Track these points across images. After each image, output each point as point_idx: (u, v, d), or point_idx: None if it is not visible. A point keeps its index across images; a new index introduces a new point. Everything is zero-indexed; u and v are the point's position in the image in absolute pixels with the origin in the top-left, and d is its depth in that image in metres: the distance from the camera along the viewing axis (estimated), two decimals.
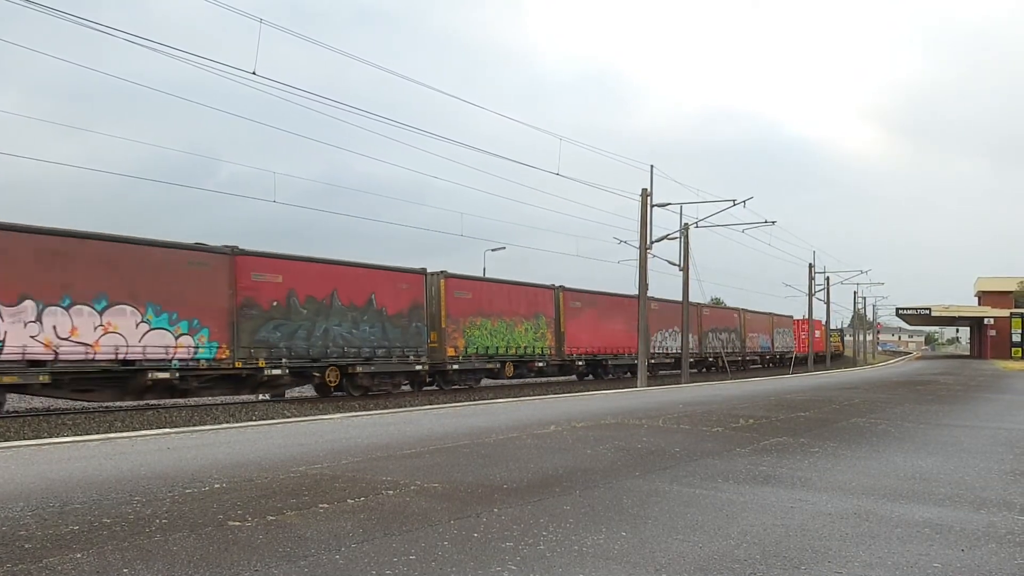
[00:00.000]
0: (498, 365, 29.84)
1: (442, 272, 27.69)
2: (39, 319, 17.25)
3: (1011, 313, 69.85)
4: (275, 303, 21.73)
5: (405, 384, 26.86)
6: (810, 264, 57.73)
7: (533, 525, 5.09)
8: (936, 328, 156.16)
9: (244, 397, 22.92)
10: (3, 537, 4.62)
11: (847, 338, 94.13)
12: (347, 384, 24.15)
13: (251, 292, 21.18)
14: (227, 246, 21.05)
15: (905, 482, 7.05)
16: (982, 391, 22.00)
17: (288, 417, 16.17)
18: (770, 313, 59.57)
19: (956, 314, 76.14)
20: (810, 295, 57.26)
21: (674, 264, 33.77)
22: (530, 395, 22.39)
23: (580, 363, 34.56)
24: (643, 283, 29.95)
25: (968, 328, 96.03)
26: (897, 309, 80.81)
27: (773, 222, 35.18)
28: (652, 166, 30.12)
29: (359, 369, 24.02)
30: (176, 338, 19.55)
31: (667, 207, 31.73)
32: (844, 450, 9.02)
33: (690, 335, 37.90)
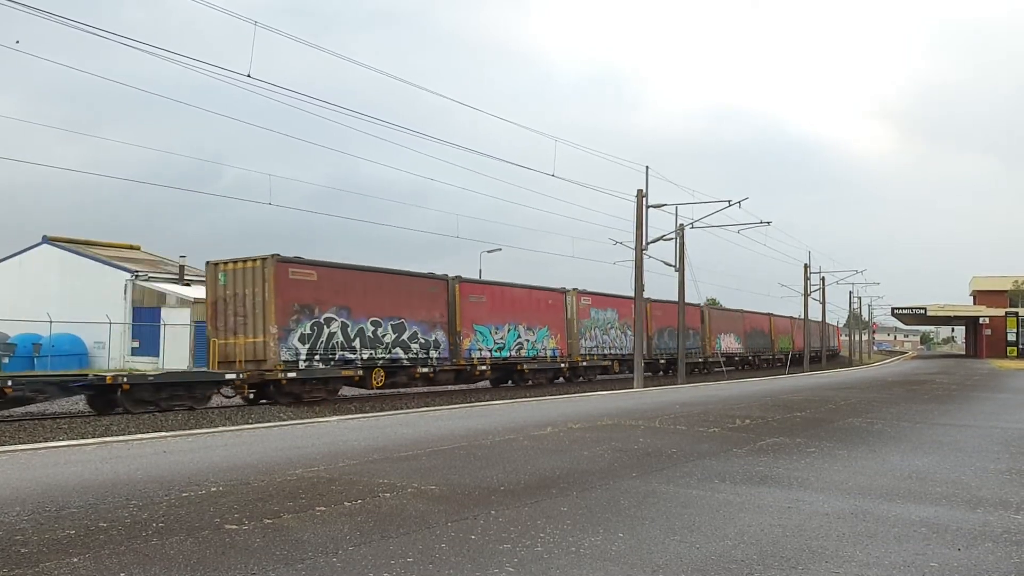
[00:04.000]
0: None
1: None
2: None
3: (1006, 312, 70.01)
4: None
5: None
6: (805, 264, 57.89)
7: (531, 527, 5.10)
8: (932, 327, 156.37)
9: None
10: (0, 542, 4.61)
11: (843, 338, 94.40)
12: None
13: None
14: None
15: (901, 482, 7.07)
16: (977, 390, 22.04)
17: (284, 420, 16.15)
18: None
19: (951, 313, 76.20)
20: (805, 295, 57.35)
21: (670, 265, 33.83)
22: (526, 396, 22.38)
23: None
24: (639, 284, 29.99)
25: (963, 327, 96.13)
26: (893, 309, 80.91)
27: (768, 222, 35.30)
28: (648, 167, 30.16)
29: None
30: None
31: (663, 208, 31.81)
32: (840, 450, 9.03)
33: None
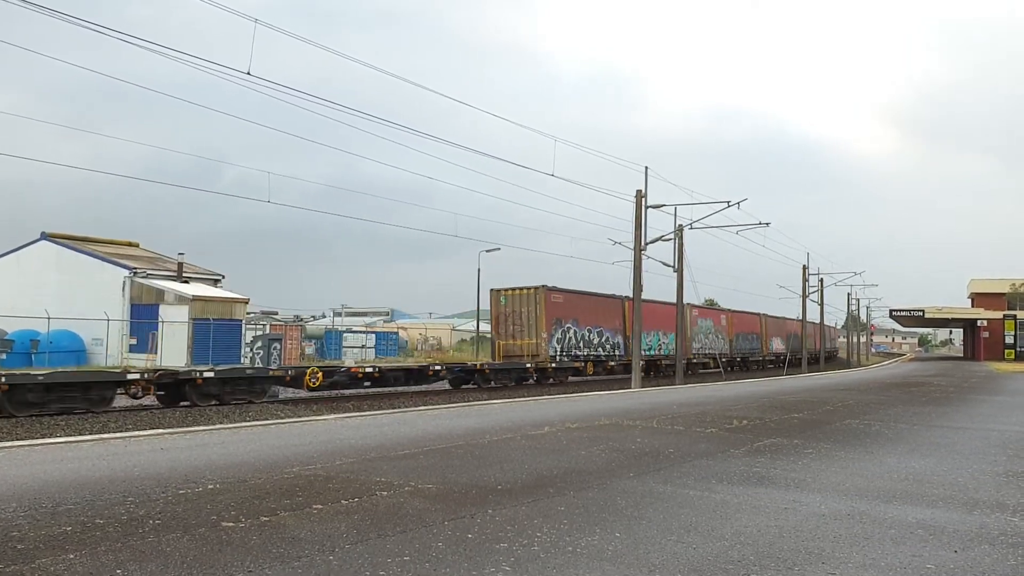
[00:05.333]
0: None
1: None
2: None
3: (1004, 315, 69.93)
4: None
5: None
6: (804, 266, 57.90)
7: (527, 526, 5.10)
8: (929, 329, 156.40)
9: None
10: None
11: (841, 339, 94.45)
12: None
13: None
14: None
15: (898, 483, 7.07)
16: (975, 392, 22.06)
17: (282, 418, 16.16)
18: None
19: (949, 316, 76.18)
20: (804, 296, 57.37)
21: (668, 265, 33.84)
22: (524, 396, 22.39)
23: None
24: (638, 284, 30.00)
25: (961, 330, 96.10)
26: (891, 311, 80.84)
27: (767, 223, 35.38)
28: (647, 167, 30.17)
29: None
30: None
31: (662, 208, 31.80)
32: (838, 451, 9.04)
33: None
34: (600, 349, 37.35)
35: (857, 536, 5.07)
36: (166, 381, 21.16)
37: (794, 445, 9.47)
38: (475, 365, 31.35)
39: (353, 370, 25.76)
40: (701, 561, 4.41)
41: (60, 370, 20.38)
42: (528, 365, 32.85)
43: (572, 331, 35.10)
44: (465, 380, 30.75)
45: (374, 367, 27.10)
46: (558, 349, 34.21)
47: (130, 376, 20.46)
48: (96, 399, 19.79)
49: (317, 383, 24.07)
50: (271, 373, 23.89)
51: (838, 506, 5.99)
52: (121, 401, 21.05)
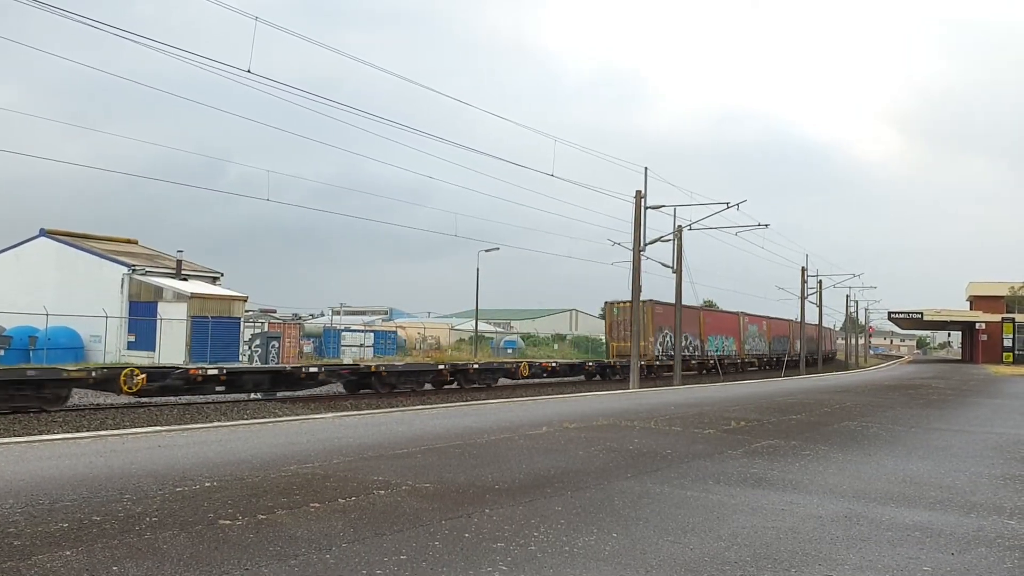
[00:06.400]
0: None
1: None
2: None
3: (1002, 318, 69.91)
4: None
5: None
6: (803, 267, 57.92)
7: (524, 526, 5.10)
8: (928, 332, 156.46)
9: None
10: None
11: (839, 341, 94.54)
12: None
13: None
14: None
15: (896, 486, 7.08)
16: (973, 395, 22.07)
17: (280, 416, 16.16)
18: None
19: (948, 318, 76.18)
20: (802, 298, 57.41)
21: (667, 266, 33.85)
22: (523, 395, 22.39)
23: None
24: (636, 285, 29.99)
25: (959, 332, 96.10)
26: (889, 313, 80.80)
27: (766, 225, 35.47)
28: (646, 168, 30.18)
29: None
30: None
31: (661, 209, 31.79)
32: (835, 453, 9.04)
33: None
34: (685, 351, 44.84)
35: (854, 538, 5.08)
36: (456, 370, 29.25)
37: (792, 447, 9.47)
38: (609, 363, 41.01)
39: (543, 364, 35.58)
40: (698, 562, 4.41)
41: (410, 360, 29.55)
42: (641, 363, 39.21)
43: (669, 336, 42.61)
44: (595, 374, 39.50)
45: (556, 362, 37.11)
46: (660, 351, 43.07)
47: (439, 367, 29.02)
48: (420, 382, 28.04)
49: (527, 373, 33.15)
50: (505, 366, 32.78)
51: (835, 508, 5.99)
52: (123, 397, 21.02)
